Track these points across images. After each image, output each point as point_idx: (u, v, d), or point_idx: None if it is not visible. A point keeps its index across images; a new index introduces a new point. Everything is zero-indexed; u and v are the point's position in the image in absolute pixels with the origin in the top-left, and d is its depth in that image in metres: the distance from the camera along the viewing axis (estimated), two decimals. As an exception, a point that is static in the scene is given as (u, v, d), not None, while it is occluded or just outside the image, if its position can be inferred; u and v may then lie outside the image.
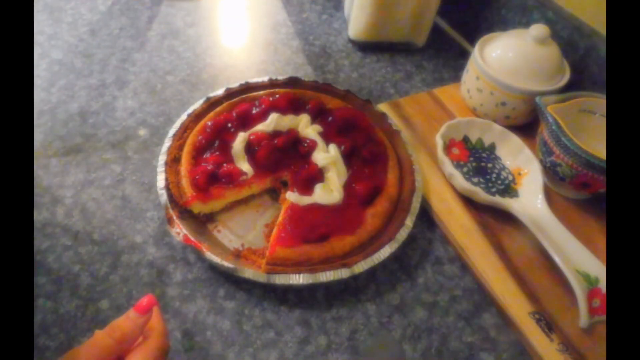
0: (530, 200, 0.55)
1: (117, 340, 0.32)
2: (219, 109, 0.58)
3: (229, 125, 0.56)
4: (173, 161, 0.52)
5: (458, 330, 0.47)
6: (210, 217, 0.52)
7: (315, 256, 0.46)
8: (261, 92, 0.61)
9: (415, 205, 0.51)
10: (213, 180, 0.50)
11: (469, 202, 0.56)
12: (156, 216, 0.53)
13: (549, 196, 0.56)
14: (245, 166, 0.52)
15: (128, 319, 0.34)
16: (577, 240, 0.50)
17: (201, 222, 0.51)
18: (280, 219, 0.49)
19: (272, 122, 0.56)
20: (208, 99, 0.60)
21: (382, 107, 0.66)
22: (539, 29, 0.59)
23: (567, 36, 0.63)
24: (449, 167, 0.56)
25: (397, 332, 0.46)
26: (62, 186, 0.54)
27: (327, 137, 0.56)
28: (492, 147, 0.62)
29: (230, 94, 0.61)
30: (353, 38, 0.78)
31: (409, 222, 0.49)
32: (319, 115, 0.59)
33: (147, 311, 0.34)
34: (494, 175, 0.59)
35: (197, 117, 0.57)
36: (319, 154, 0.54)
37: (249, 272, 0.44)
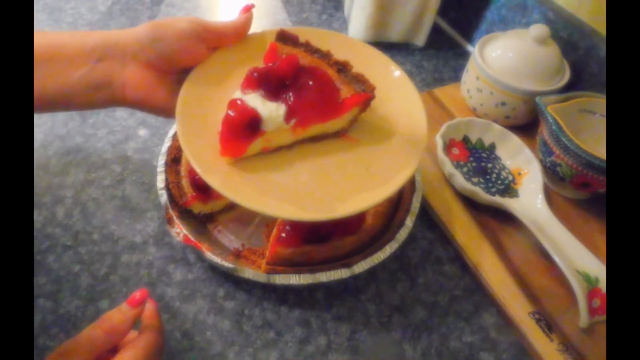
0: (530, 200, 0.55)
1: (107, 332, 0.32)
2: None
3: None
4: (173, 161, 0.52)
5: (458, 330, 0.47)
6: (210, 217, 0.52)
7: (315, 256, 0.46)
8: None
9: (415, 205, 0.51)
10: (213, 180, 0.50)
11: (469, 202, 0.56)
12: (156, 216, 0.53)
13: (549, 196, 0.56)
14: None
15: (119, 311, 0.34)
16: (577, 240, 0.50)
17: (201, 222, 0.51)
18: (280, 219, 0.49)
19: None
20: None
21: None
22: (539, 29, 0.59)
23: (567, 36, 0.63)
24: (449, 167, 0.56)
25: (397, 332, 0.46)
26: (62, 186, 0.54)
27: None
28: (492, 147, 0.62)
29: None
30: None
31: (409, 222, 0.49)
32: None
33: (139, 304, 0.34)
34: (494, 175, 0.59)
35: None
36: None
37: (249, 272, 0.44)
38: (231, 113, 0.35)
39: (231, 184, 0.35)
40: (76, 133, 0.60)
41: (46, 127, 0.60)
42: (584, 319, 0.44)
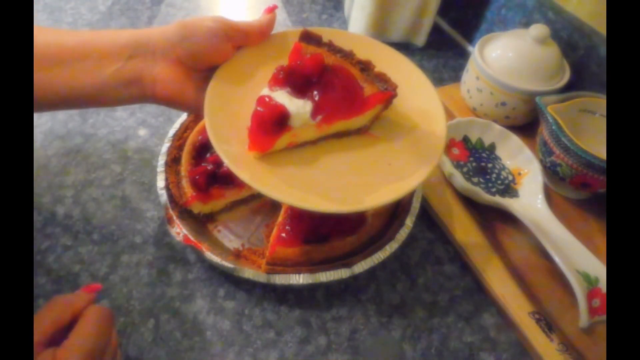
0: (530, 200, 0.55)
1: (63, 305, 0.33)
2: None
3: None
4: (173, 161, 0.52)
5: (458, 330, 0.47)
6: (210, 217, 0.52)
7: (315, 256, 0.46)
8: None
9: (415, 205, 0.51)
10: (213, 180, 0.50)
11: (469, 202, 0.56)
12: (156, 216, 0.53)
13: (549, 196, 0.56)
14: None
15: (73, 293, 0.35)
16: (577, 240, 0.50)
17: (201, 222, 0.51)
18: (280, 219, 0.49)
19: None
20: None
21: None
22: (539, 29, 0.59)
23: (567, 36, 0.63)
24: (449, 167, 0.56)
25: (397, 332, 0.46)
26: (62, 186, 0.54)
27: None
28: (492, 147, 0.62)
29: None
30: (353, 38, 0.78)
31: (409, 222, 0.49)
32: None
33: (93, 291, 0.36)
34: (494, 175, 0.59)
35: (197, 117, 0.57)
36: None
37: (249, 272, 0.44)
38: (260, 109, 0.36)
39: (260, 177, 0.36)
40: (76, 133, 0.60)
41: (46, 127, 0.60)
42: (584, 319, 0.44)
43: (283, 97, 0.36)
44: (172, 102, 0.41)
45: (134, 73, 0.38)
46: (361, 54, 0.41)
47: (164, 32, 0.39)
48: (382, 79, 0.40)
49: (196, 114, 0.38)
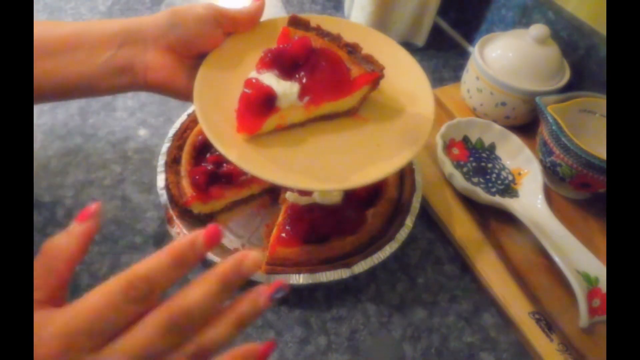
0: (530, 200, 0.55)
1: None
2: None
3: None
4: (173, 161, 0.52)
5: (458, 330, 0.47)
6: (210, 217, 0.52)
7: (315, 256, 0.46)
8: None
9: (415, 205, 0.51)
10: (213, 180, 0.50)
11: (469, 202, 0.56)
12: (156, 216, 0.53)
13: (549, 196, 0.56)
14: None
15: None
16: (577, 240, 0.50)
17: (201, 222, 0.51)
18: (280, 219, 0.49)
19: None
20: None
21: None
22: (539, 29, 0.59)
23: (567, 36, 0.63)
24: (449, 167, 0.56)
25: (397, 332, 0.46)
26: (62, 186, 0.54)
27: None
28: (492, 147, 0.62)
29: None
30: (353, 38, 0.78)
31: (409, 222, 0.49)
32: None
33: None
34: (494, 175, 0.59)
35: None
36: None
37: (249, 272, 0.44)
38: (247, 90, 0.36)
39: (248, 157, 0.36)
40: (76, 133, 0.60)
41: (46, 127, 0.60)
42: (584, 319, 0.44)
43: (270, 79, 0.37)
44: (164, 89, 0.41)
45: (126, 61, 0.38)
46: (349, 37, 0.41)
47: (155, 19, 0.39)
48: (369, 60, 0.40)
49: (188, 101, 0.39)
